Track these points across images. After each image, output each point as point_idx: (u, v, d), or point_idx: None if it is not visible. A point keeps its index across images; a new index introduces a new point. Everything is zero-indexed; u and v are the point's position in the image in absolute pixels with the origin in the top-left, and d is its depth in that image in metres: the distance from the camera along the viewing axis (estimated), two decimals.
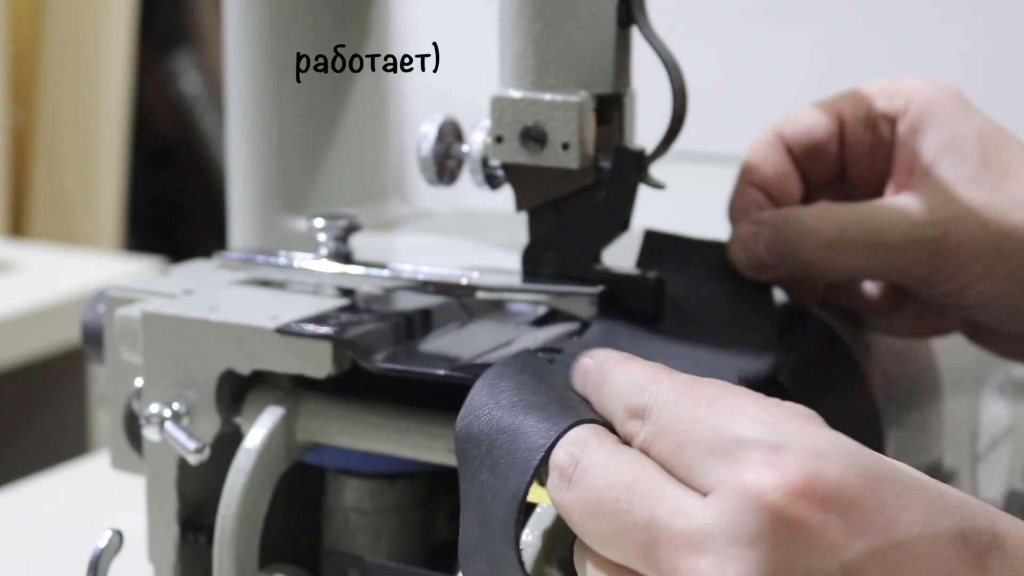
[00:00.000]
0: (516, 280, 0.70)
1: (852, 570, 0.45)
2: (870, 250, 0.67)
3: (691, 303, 0.68)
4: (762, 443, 0.46)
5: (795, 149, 0.72)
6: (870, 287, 0.74)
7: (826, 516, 0.45)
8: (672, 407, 0.50)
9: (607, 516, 0.50)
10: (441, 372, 0.64)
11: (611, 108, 0.68)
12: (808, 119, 0.72)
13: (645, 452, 0.51)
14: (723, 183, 0.76)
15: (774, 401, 0.49)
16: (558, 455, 0.52)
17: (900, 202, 0.69)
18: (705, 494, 0.48)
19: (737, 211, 0.71)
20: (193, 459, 0.68)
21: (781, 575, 0.44)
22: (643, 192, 0.69)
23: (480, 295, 0.70)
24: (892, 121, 0.71)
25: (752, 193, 0.72)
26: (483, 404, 0.56)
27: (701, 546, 0.46)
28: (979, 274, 0.68)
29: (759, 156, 0.72)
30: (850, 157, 0.73)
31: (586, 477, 0.51)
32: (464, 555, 0.56)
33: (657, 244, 0.70)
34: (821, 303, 0.73)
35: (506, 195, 0.70)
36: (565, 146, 0.67)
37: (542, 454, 0.53)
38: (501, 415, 0.56)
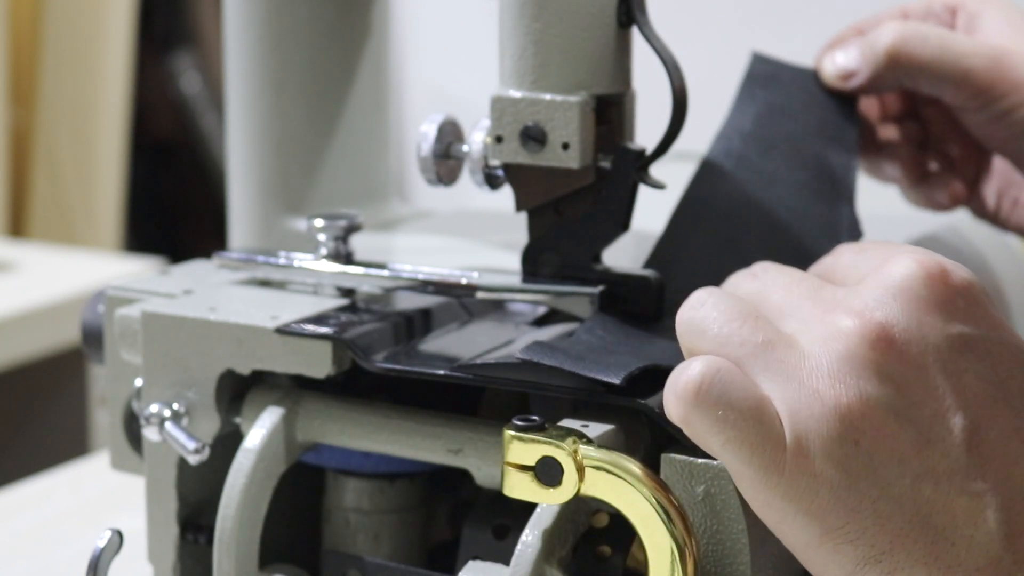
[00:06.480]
0: (516, 280, 0.70)
1: (966, 341, 0.55)
2: (940, 50, 0.79)
3: (786, 119, 0.79)
4: (914, 250, 0.58)
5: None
6: (904, 155, 0.84)
7: (954, 296, 0.56)
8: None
9: (784, 279, 0.59)
10: (441, 372, 0.64)
11: (611, 108, 0.68)
12: (876, 17, 0.84)
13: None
14: None
15: None
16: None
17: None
18: None
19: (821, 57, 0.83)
20: (193, 459, 0.68)
21: (912, 325, 0.55)
22: (643, 192, 0.69)
23: (480, 295, 0.70)
24: (952, 11, 0.84)
25: None
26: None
27: (855, 299, 0.56)
28: None
29: (837, 38, 0.84)
30: None
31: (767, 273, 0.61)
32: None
33: (761, 67, 0.81)
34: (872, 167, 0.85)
35: (506, 195, 0.70)
36: (565, 146, 0.67)
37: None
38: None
